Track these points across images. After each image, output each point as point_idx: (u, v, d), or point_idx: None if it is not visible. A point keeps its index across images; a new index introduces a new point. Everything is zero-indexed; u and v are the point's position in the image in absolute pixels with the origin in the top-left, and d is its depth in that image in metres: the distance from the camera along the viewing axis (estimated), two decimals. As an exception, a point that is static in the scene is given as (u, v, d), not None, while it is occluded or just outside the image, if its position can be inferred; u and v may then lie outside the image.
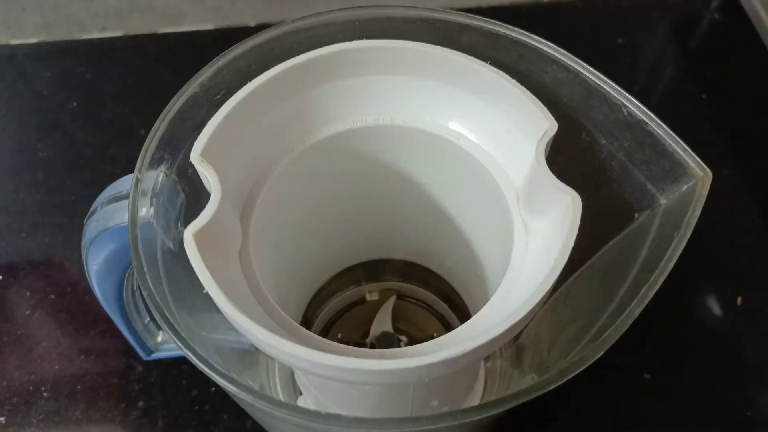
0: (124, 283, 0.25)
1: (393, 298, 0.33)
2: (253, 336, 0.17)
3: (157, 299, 0.19)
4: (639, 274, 0.20)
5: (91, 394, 0.33)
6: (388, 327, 0.32)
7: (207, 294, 0.17)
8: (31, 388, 0.34)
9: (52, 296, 0.36)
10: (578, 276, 0.23)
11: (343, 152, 0.24)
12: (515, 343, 0.27)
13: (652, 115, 0.21)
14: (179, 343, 0.18)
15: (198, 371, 0.18)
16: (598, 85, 0.22)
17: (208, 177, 0.19)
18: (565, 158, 0.20)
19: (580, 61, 0.22)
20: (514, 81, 0.21)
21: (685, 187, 0.21)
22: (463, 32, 0.23)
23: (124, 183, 0.23)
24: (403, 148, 0.24)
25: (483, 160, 0.23)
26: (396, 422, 0.17)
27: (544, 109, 0.20)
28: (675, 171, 0.21)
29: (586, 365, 0.18)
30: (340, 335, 0.33)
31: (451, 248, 0.28)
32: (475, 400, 0.29)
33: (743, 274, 0.37)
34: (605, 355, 0.18)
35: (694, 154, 0.20)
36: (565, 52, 0.22)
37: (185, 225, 0.18)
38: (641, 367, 0.34)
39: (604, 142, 0.22)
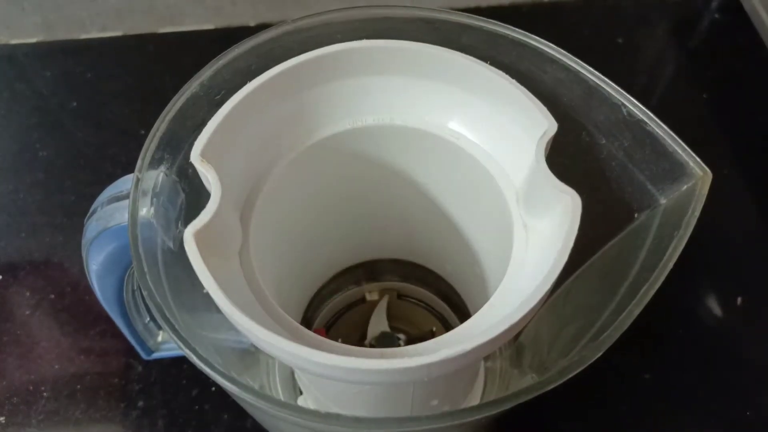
0: (124, 283, 0.25)
1: (386, 298, 0.33)
2: (254, 336, 0.17)
3: (157, 299, 0.19)
4: (639, 274, 0.20)
5: (91, 394, 0.33)
6: (385, 327, 0.32)
7: (207, 294, 0.17)
8: (31, 388, 0.34)
9: (52, 296, 0.36)
10: (578, 276, 0.23)
11: (343, 152, 0.24)
12: (515, 342, 0.27)
13: (652, 115, 0.21)
14: (179, 343, 0.18)
15: (198, 371, 0.18)
16: (598, 85, 0.22)
17: (208, 177, 0.19)
18: (565, 158, 0.20)
19: (580, 61, 0.22)
20: (514, 81, 0.21)
21: (685, 187, 0.21)
22: (463, 32, 0.23)
23: (124, 183, 0.23)
24: (403, 148, 0.24)
25: (483, 160, 0.23)
26: (396, 422, 0.17)
27: (544, 109, 0.20)
28: (675, 171, 0.21)
29: (586, 365, 0.18)
30: (339, 337, 0.33)
31: (451, 248, 0.28)
32: (475, 399, 0.29)
33: (743, 274, 0.37)
34: (605, 354, 0.18)
35: (694, 154, 0.20)
36: (565, 52, 0.22)
37: (185, 225, 0.18)
38: (641, 367, 0.34)
39: (604, 142, 0.22)
